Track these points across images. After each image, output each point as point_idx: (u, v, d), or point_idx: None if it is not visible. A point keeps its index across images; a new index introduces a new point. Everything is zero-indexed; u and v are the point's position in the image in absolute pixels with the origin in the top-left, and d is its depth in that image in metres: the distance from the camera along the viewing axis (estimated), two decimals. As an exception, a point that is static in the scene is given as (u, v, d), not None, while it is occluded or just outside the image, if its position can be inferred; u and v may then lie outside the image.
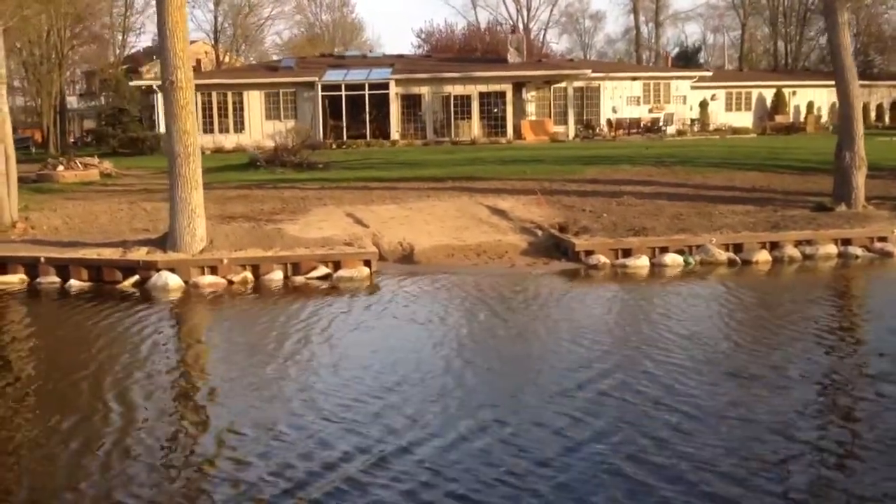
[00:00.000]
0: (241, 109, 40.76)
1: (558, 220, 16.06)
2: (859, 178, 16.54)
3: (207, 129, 39.88)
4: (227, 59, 57.86)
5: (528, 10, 69.83)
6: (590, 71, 41.53)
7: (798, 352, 9.01)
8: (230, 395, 8.00)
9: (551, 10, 72.54)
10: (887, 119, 46.73)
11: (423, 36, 60.84)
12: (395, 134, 39.82)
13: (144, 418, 7.36)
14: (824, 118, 46.46)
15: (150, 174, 27.40)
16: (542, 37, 69.10)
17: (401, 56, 47.07)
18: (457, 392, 7.81)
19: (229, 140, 39.20)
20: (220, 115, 40.15)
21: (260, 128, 39.90)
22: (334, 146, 37.31)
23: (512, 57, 42.09)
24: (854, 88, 16.68)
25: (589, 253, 14.19)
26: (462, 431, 6.78)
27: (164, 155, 36.72)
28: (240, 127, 40.62)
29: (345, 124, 39.77)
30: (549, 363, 8.78)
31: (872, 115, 47.15)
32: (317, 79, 40.33)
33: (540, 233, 15.63)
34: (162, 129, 40.30)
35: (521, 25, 65.58)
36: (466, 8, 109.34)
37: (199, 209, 13.63)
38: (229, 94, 40.27)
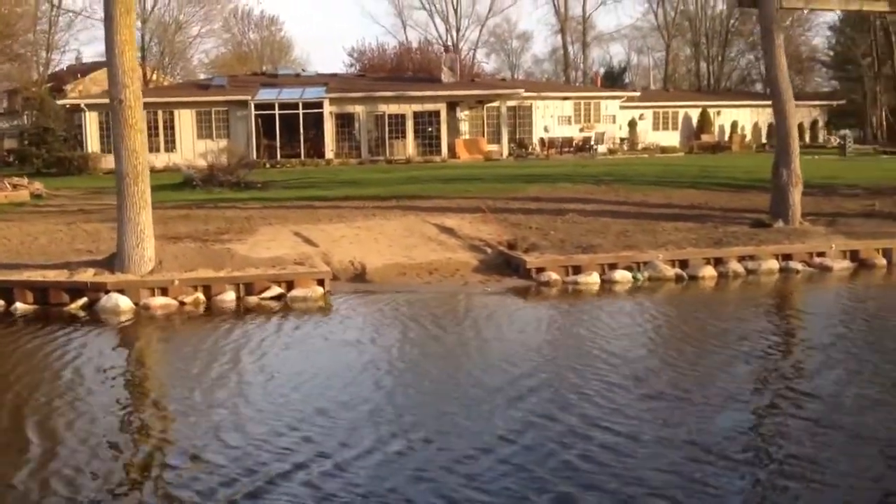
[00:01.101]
0: (172, 128, 40.25)
1: (506, 238, 16.18)
2: (796, 196, 17.06)
3: (138, 148, 39.23)
4: (154, 78, 56.97)
5: (458, 30, 70.51)
6: (523, 90, 42.09)
7: (743, 366, 9.25)
8: (161, 420, 7.85)
9: (480, 30, 73.34)
10: (807, 138, 48.20)
11: (354, 55, 60.94)
12: (329, 153, 39.76)
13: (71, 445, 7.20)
14: (748, 137, 47.82)
15: (81, 195, 26.87)
16: (471, 56, 69.72)
17: (334, 75, 47.06)
18: (405, 410, 7.83)
19: (160, 159, 38.56)
20: (150, 134, 39.37)
21: (192, 147, 39.42)
22: (268, 165, 37.09)
23: (446, 76, 42.43)
24: (790, 108, 17.23)
25: (540, 270, 14.34)
26: (393, 449, 6.81)
27: (92, 175, 36.43)
28: (171, 146, 40.11)
29: (278, 143, 39.55)
30: (497, 381, 8.79)
31: (793, 134, 48.56)
32: (249, 97, 40.08)
33: (489, 250, 15.73)
34: (90, 148, 39.69)
35: (450, 45, 66.09)
36: (396, 28, 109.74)
37: (147, 229, 13.39)
38: (160, 112, 39.69)
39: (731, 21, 69.97)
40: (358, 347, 10.42)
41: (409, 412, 7.81)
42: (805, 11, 50.45)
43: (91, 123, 39.69)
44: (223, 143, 38.74)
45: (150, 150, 38.74)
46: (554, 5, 72.49)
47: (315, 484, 6.17)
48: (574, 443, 6.88)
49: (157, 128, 39.68)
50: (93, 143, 39.54)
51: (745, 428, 7.29)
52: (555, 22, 74.12)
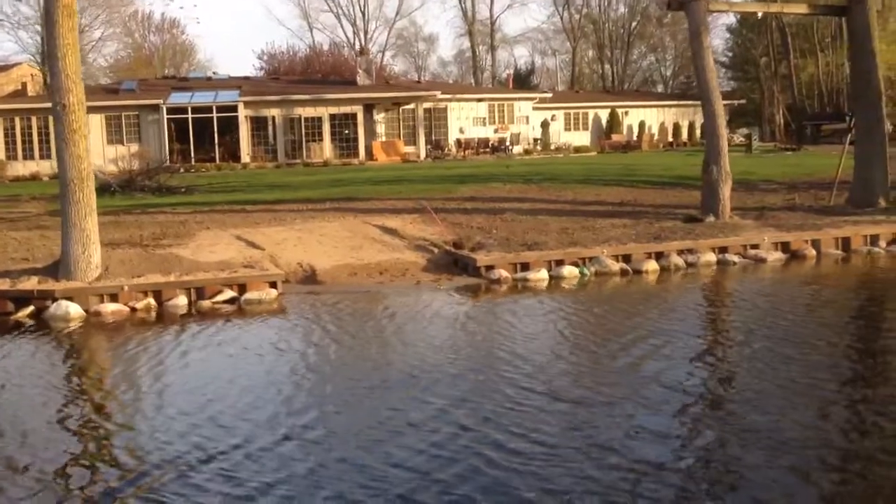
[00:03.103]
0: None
1: (452, 238, 16.31)
2: (726, 191, 17.65)
3: (44, 154, 38.14)
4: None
5: (366, 32, 70.37)
6: (439, 92, 42.34)
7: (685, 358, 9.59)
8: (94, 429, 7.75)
9: (388, 33, 73.39)
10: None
11: (264, 58, 60.21)
12: (245, 157, 39.27)
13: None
14: (656, 136, 49.10)
15: (-11, 202, 25.87)
16: (380, 59, 69.64)
17: (247, 78, 46.44)
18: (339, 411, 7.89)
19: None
20: (58, 140, 38.21)
21: (101, 152, 38.32)
22: (182, 170, 36.34)
23: (361, 79, 42.35)
24: (719, 108, 17.82)
25: (490, 268, 14.51)
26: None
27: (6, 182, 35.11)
28: (80, 152, 38.87)
29: (192, 148, 38.85)
30: (455, 382, 8.93)
31: (698, 132, 50.15)
32: (161, 101, 39.27)
33: (436, 250, 15.83)
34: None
35: (357, 48, 65.92)
36: (302, 30, 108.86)
37: (94, 235, 13.06)
38: (67, 117, 38.42)
39: (633, 24, 71.83)
40: (329, 347, 10.40)
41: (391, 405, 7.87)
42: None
43: (-6, 130, 38.30)
44: (134, 147, 37.91)
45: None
46: (462, 8, 73.15)
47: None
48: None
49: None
50: (-3, 149, 38.16)
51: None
52: (462, 25, 74.74)
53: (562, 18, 72.52)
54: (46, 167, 37.25)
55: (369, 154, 40.05)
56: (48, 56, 12.90)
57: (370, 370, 9.29)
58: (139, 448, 7.04)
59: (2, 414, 8.13)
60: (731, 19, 60.69)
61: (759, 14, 23.78)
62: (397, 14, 72.73)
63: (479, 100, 45.16)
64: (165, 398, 8.51)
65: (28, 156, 38.18)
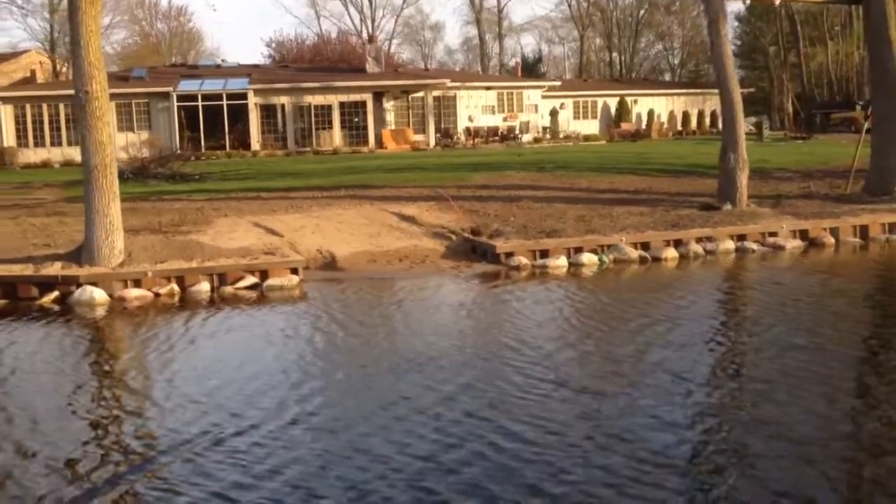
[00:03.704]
0: (92, 121, 39.04)
1: (469, 225, 16.35)
2: (743, 179, 17.66)
3: (55, 141, 38.19)
4: (64, 70, 55.16)
5: (373, 20, 70.21)
6: (448, 81, 42.23)
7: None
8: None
9: (396, 21, 73.21)
10: (720, 125, 49.57)
11: (273, 45, 60.11)
12: (255, 145, 39.23)
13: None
14: (665, 125, 48.98)
15: (5, 190, 25.91)
16: (388, 47, 69.52)
17: (256, 66, 46.38)
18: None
19: (79, 153, 37.32)
20: (67, 128, 38.31)
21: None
22: (193, 157, 36.35)
23: (370, 66, 42.26)
24: (736, 96, 17.80)
25: (509, 255, 14.55)
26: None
27: (9, 170, 35.16)
28: (90, 139, 38.89)
29: (202, 135, 38.84)
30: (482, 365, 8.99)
31: (707, 121, 50.07)
32: (171, 89, 39.22)
33: (454, 237, 15.88)
34: (6, 142, 38.29)
35: (365, 36, 65.81)
36: (310, 19, 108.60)
37: (117, 221, 13.13)
38: (78, 105, 38.44)
39: (641, 12, 71.60)
40: (359, 334, 10.46)
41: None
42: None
43: (6, 117, 38.27)
44: (145, 135, 37.83)
45: (69, 144, 38.12)
46: (469, -5, 72.84)
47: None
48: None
49: (75, 121, 38.38)
50: (8, 137, 38.12)
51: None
52: (469, 13, 74.56)
53: (569, 6, 72.26)
54: (57, 154, 37.38)
55: (379, 142, 40.00)
56: (71, 43, 12.92)
57: (407, 354, 9.34)
58: (218, 422, 7.12)
59: (51, 396, 8.22)
60: (739, 7, 60.51)
61: (777, 2, 23.68)
62: (404, 2, 72.50)
63: (488, 88, 45.05)
64: (205, 380, 8.58)
65: (39, 143, 38.17)
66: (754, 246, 15.55)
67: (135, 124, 39.15)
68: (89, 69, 12.68)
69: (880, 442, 6.49)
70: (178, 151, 31.75)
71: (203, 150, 38.04)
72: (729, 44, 17.91)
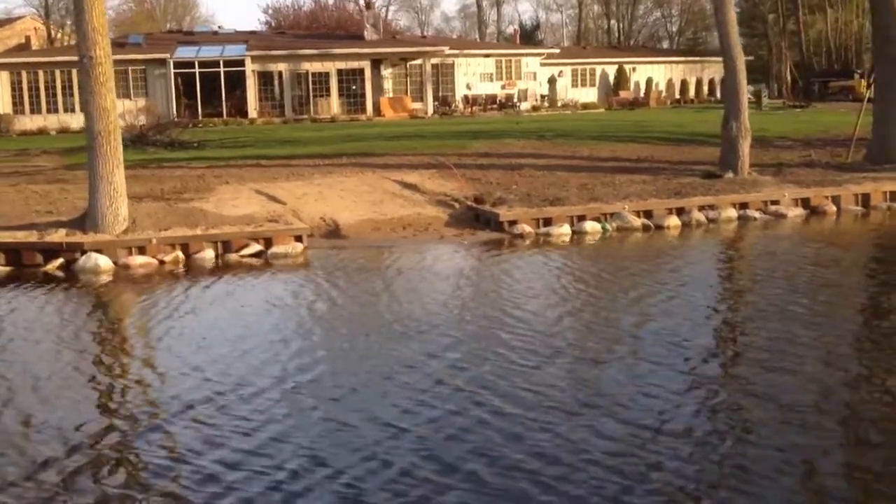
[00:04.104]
0: (88, 88, 38.83)
1: (472, 193, 16.35)
2: (745, 147, 17.65)
3: (51, 108, 37.98)
4: (59, 37, 54.80)
5: (370, -14, 69.52)
6: (447, 48, 42.04)
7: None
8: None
9: (393, -13, 72.62)
10: (718, 93, 49.42)
11: (269, 12, 59.66)
12: (252, 112, 39.06)
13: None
14: (664, 93, 48.84)
15: (2, 157, 25.80)
16: (385, 14, 69.01)
17: (253, 33, 46.08)
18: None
19: (76, 120, 37.01)
20: (65, 95, 38.10)
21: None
22: (190, 125, 36.19)
23: (369, 34, 41.99)
24: (740, 63, 17.77)
25: (513, 223, 14.58)
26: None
27: (5, 137, 35.00)
28: (87, 106, 38.70)
29: (199, 102, 38.65)
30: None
31: (705, 89, 49.94)
32: (168, 56, 38.97)
33: (457, 205, 15.89)
34: (1, 109, 38.07)
35: (363, 2, 65.28)
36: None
37: (121, 188, 13.12)
38: (73, 72, 38.12)
39: (640, -21, 71.08)
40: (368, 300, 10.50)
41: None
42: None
43: (2, 84, 38.03)
44: (141, 102, 37.62)
45: (65, 111, 37.97)
46: (466, -38, 72.27)
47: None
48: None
49: (71, 88, 38.17)
50: (4, 104, 37.91)
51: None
52: (466, -21, 73.95)
53: (568, -28, 71.77)
54: (54, 121, 37.18)
55: (377, 110, 39.84)
56: (74, 8, 12.83)
57: (410, 322, 9.38)
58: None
59: (57, 362, 8.25)
60: (738, -26, 60.03)
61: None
62: (401, -32, 71.85)
63: (487, 55, 44.82)
64: (210, 347, 8.62)
65: (35, 110, 37.98)
66: (756, 214, 15.60)
67: (131, 91, 38.92)
68: (93, 34, 12.60)
69: (877, 408, 6.55)
70: (176, 119, 31.56)
71: (200, 117, 37.86)
72: (733, 10, 17.83)
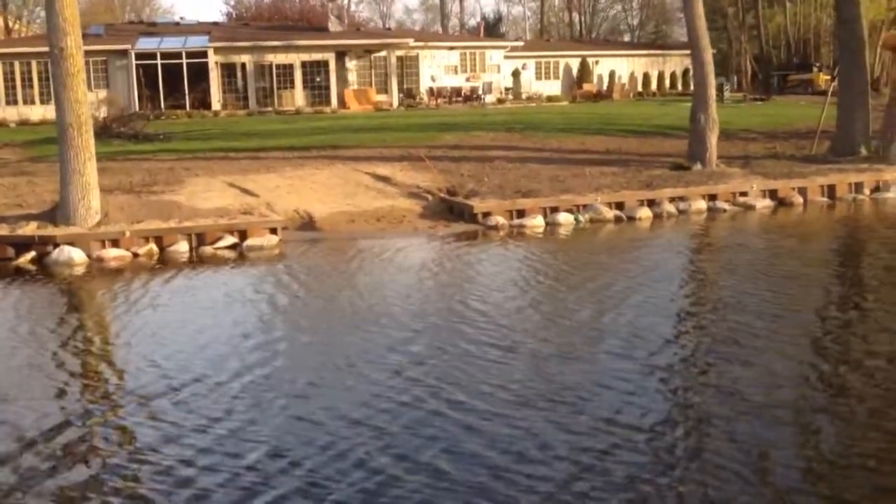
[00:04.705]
0: (48, 79, 38.14)
1: (445, 185, 16.39)
2: (713, 139, 17.88)
3: (10, 100, 37.34)
4: (16, 28, 53.85)
5: (332, -22, 69.16)
6: (411, 40, 41.97)
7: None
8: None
9: (355, -21, 72.28)
10: (680, 86, 49.97)
11: (230, 3, 59.12)
12: (216, 104, 38.70)
13: None
14: (626, 86, 49.18)
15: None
16: (348, 5, 68.65)
17: (217, 24, 45.69)
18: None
19: (35, 112, 36.58)
20: (23, 86, 37.50)
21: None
22: (152, 117, 35.79)
23: (333, 25, 41.79)
24: (707, 56, 17.98)
25: (486, 214, 14.65)
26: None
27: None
28: (46, 98, 37.89)
29: (162, 94, 38.24)
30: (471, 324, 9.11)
31: (667, 82, 50.38)
32: (129, 47, 38.47)
33: (430, 197, 15.92)
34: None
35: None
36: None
37: (93, 181, 13.00)
38: (33, 63, 37.60)
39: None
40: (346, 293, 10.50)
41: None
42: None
43: (-37, 74, 37.40)
44: (102, 94, 37.08)
45: (24, 103, 37.37)
46: (429, -46, 72.14)
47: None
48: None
49: (30, 79, 37.63)
50: (-32, 96, 37.29)
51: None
52: (428, -29, 73.81)
53: (529, -35, 71.95)
54: (13, 114, 36.58)
55: (341, 102, 39.69)
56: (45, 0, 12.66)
57: (385, 314, 9.41)
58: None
59: (38, 352, 8.17)
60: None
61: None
62: (363, -41, 71.55)
63: (451, 48, 44.81)
64: (178, 340, 8.58)
65: (11, 101, 37.35)
66: (725, 206, 15.82)
67: (92, 82, 38.18)
68: (63, 25, 12.46)
69: (838, 398, 6.63)
70: (139, 111, 31.21)
71: (163, 109, 37.47)
72: (701, 4, 18.02)
